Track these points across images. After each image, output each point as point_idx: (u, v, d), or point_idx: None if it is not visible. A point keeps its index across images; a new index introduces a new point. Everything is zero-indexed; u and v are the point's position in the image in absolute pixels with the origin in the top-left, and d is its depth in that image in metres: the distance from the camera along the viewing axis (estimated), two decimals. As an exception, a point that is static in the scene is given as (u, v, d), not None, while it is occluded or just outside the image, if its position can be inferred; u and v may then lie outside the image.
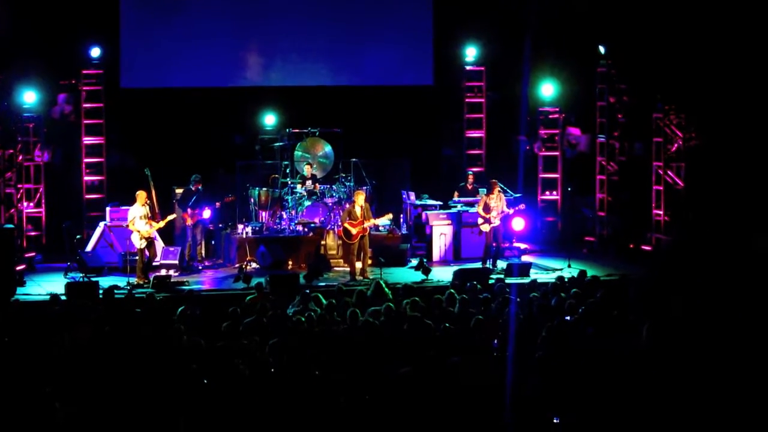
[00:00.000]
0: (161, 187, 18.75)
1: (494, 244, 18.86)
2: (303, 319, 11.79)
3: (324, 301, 13.12)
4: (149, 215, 17.78)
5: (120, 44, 21.36)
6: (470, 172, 21.54)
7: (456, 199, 20.65)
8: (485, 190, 20.23)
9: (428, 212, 20.07)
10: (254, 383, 9.56)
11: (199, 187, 19.20)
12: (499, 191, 18.93)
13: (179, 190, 19.69)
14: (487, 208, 18.73)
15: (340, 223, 18.60)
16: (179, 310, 12.80)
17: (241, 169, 20.83)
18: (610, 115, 21.49)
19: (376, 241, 19.12)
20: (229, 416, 9.11)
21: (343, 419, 9.14)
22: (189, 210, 18.98)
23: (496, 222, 18.71)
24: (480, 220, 18.74)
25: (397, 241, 19.67)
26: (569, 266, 18.54)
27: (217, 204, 19.33)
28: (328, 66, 22.08)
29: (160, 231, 18.58)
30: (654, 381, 9.49)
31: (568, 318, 12.17)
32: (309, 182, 20.02)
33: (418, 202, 20.59)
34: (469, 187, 20.97)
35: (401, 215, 20.77)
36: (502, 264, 18.69)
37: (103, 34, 21.04)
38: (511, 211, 19.01)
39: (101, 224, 19.57)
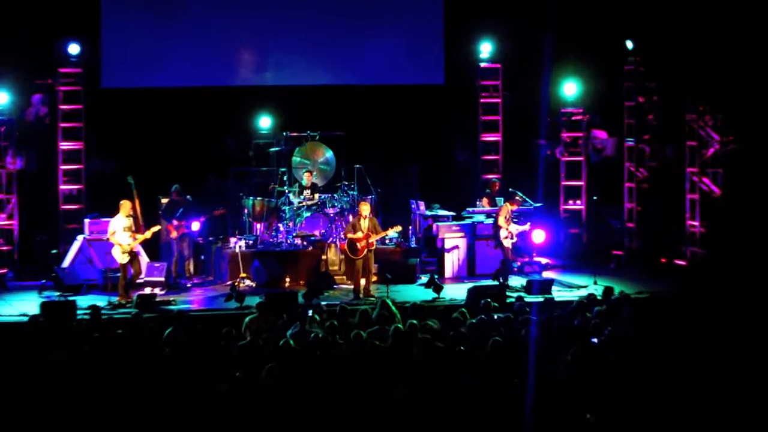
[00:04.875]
0: (146, 196, 18.78)
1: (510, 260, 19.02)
2: (294, 341, 11.84)
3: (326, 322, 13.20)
4: (132, 227, 17.78)
5: (101, 40, 21.47)
6: (495, 179, 21.55)
7: (481, 207, 20.58)
8: (502, 199, 20.29)
9: (439, 224, 20.12)
10: (248, 412, 9.62)
11: (188, 197, 19.26)
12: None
13: (165, 200, 19.74)
14: (508, 221, 18.76)
15: (343, 237, 18.63)
16: (167, 332, 12.85)
17: (233, 177, 20.92)
18: (639, 117, 21.55)
19: (382, 256, 19.16)
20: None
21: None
22: (174, 222, 19.03)
23: (515, 238, 18.79)
24: (504, 233, 18.73)
25: (405, 256, 19.71)
26: (595, 283, 18.58)
27: (202, 218, 19.35)
28: (329, 63, 22.17)
29: (144, 245, 18.64)
30: (687, 408, 9.55)
31: (594, 340, 12.21)
32: (308, 191, 20.09)
33: (428, 213, 20.64)
34: (495, 196, 20.97)
35: (410, 227, 20.81)
36: (521, 281, 18.74)
37: (83, 30, 21.15)
38: (527, 227, 19.10)
39: (79, 237, 19.65)
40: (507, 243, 18.77)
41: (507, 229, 18.77)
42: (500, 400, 10.03)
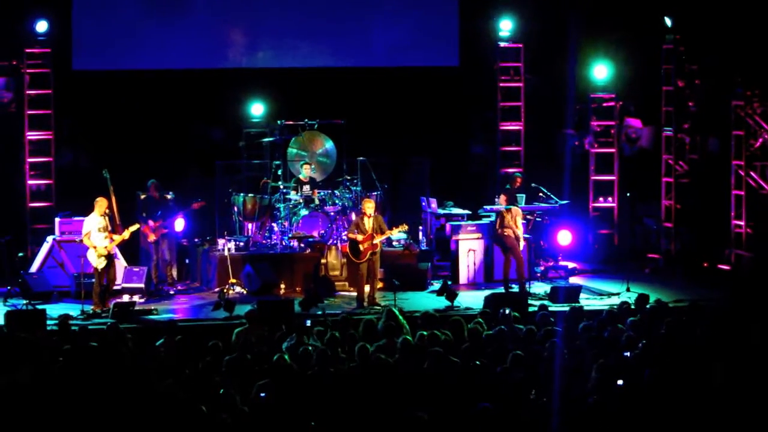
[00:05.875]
0: (123, 192, 18.81)
1: None
2: (290, 356, 11.87)
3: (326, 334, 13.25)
4: (108, 227, 17.80)
5: (72, 17, 21.47)
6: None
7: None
8: (524, 196, 20.33)
9: (453, 223, 20.15)
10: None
11: (170, 194, 19.28)
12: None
13: (143, 197, 19.75)
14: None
15: (345, 238, 18.66)
16: (158, 343, 12.93)
17: (221, 171, 20.93)
18: (678, 103, 21.53)
19: (389, 260, 19.19)
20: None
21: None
22: (151, 222, 19.04)
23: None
24: (523, 234, 18.83)
25: (414, 259, 19.74)
26: (628, 290, 18.60)
27: (180, 214, 19.35)
28: (329, 43, 22.19)
29: (122, 247, 18.67)
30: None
31: (626, 354, 12.24)
32: (306, 187, 20.12)
33: (440, 211, 20.67)
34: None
35: (420, 227, 20.85)
36: (545, 287, 18.78)
37: (52, 5, 21.18)
38: None
39: (49, 239, 19.69)
40: (520, 245, 18.82)
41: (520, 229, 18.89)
42: (521, 422, 10.06)
